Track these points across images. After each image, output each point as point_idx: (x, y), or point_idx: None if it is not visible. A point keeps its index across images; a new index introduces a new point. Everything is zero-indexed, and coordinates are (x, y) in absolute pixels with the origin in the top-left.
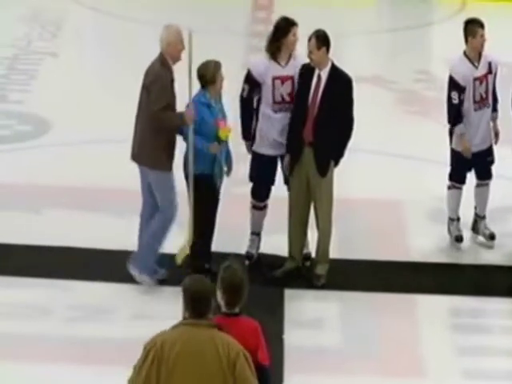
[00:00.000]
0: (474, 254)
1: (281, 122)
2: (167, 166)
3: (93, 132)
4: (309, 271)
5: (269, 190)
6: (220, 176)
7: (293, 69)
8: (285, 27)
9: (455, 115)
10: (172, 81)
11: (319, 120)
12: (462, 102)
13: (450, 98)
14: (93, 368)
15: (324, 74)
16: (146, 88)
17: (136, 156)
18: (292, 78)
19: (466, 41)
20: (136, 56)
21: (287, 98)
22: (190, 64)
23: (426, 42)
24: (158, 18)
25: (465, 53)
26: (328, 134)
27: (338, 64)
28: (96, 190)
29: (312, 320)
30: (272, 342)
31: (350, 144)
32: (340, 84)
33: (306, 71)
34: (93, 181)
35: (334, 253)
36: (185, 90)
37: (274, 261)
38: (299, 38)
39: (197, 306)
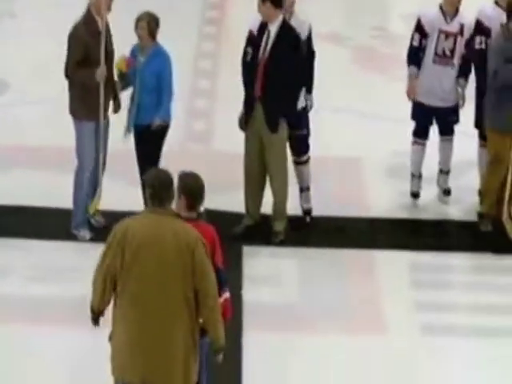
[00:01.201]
0: (433, 209)
1: None
2: (82, 114)
3: (51, 92)
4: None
5: (308, 144)
6: (128, 124)
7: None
8: None
9: (411, 56)
10: (97, 33)
11: (267, 75)
12: (423, 49)
13: (411, 39)
14: (51, 328)
15: (273, 29)
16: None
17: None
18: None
19: None
20: None
21: None
22: None
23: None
24: None
25: (440, 6)
26: (276, 89)
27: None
28: (56, 149)
29: (271, 277)
30: (231, 299)
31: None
32: (287, 40)
33: (261, 26)
34: (52, 140)
35: (292, 209)
36: None
37: (232, 218)
38: None
39: (157, 194)
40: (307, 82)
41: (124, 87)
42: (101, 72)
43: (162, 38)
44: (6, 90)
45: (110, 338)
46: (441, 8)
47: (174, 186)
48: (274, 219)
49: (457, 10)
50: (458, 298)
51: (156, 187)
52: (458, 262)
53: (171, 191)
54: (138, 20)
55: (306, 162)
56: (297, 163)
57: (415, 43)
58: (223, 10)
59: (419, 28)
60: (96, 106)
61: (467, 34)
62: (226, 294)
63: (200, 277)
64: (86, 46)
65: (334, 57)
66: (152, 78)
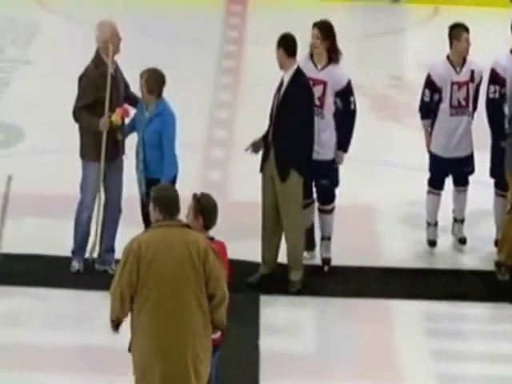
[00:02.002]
0: (449, 258)
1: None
2: (89, 157)
3: (66, 140)
4: (284, 277)
5: (333, 194)
6: (140, 179)
7: (327, 74)
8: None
9: (423, 111)
10: (109, 75)
11: (277, 122)
12: (436, 103)
13: (422, 94)
14: (62, 375)
15: (287, 77)
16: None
17: None
18: (324, 83)
19: (451, 45)
20: None
21: (317, 102)
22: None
23: (400, 48)
24: (132, 26)
25: (448, 57)
26: (284, 137)
27: None
28: (70, 198)
29: (287, 326)
30: (247, 348)
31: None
32: (297, 90)
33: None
34: (67, 189)
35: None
36: None
37: (249, 267)
38: None
39: (168, 208)
40: (341, 139)
41: (123, 137)
42: (104, 122)
43: (178, 88)
44: (20, 137)
45: (130, 349)
46: (448, 58)
47: (179, 200)
48: (291, 268)
49: (464, 59)
50: (473, 347)
51: (165, 201)
52: (474, 312)
53: (179, 204)
54: (140, 76)
55: (330, 211)
56: (320, 211)
57: (426, 99)
58: (239, 59)
59: (429, 84)
60: (93, 147)
61: (478, 78)
62: None
63: (214, 283)
64: (98, 88)
65: None
66: (155, 135)
